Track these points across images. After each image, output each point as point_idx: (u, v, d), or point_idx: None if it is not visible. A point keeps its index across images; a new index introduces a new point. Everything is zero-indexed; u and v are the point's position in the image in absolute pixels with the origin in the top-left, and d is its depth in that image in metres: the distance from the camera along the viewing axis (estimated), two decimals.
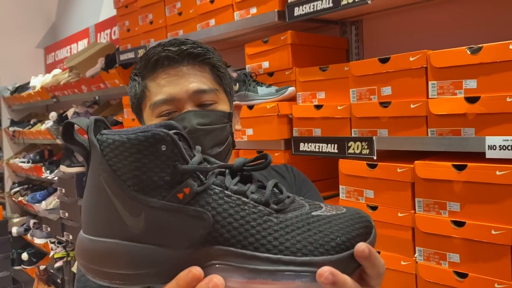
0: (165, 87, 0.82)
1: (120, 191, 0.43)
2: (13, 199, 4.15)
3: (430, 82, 1.22)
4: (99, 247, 0.43)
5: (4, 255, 3.63)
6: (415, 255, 1.25)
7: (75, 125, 0.45)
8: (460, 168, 1.14)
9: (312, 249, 0.43)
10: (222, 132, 0.84)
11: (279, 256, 0.42)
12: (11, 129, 4.18)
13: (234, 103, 0.95)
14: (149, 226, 0.42)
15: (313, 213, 0.46)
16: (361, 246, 0.44)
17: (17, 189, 4.18)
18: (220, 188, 0.45)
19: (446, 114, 1.18)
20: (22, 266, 3.93)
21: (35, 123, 3.99)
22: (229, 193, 0.45)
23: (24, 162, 3.91)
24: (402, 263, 1.28)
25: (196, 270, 0.42)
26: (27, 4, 4.52)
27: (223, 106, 0.87)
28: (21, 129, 4.02)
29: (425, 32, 1.65)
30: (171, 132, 0.44)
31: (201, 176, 0.44)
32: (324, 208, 0.48)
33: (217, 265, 0.43)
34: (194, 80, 0.83)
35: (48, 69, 4.54)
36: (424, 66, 1.22)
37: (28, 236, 3.91)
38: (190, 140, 0.66)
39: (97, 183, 0.44)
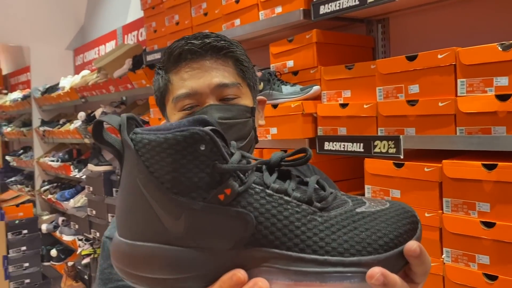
0: (188, 81, 0.82)
1: (158, 193, 0.41)
2: (43, 197, 4.27)
3: (459, 80, 1.19)
4: (137, 251, 0.42)
5: (34, 251, 3.74)
6: (443, 256, 1.23)
7: (105, 123, 0.43)
8: (490, 167, 1.11)
9: (359, 249, 0.42)
10: (244, 127, 0.84)
11: (326, 257, 0.41)
12: (41, 128, 4.30)
13: (258, 98, 0.94)
14: (190, 228, 0.41)
15: (357, 210, 0.45)
16: (413, 246, 0.43)
17: (47, 187, 4.29)
18: (261, 187, 0.43)
19: (476, 112, 1.16)
20: (51, 262, 4.04)
21: (64, 123, 4.10)
22: (271, 192, 0.43)
23: (53, 161, 4.01)
24: None
25: (240, 273, 0.41)
26: (58, 8, 4.64)
27: (246, 101, 0.86)
28: (50, 129, 4.13)
29: (453, 30, 1.62)
30: (207, 129, 0.42)
31: (241, 175, 0.43)
32: (368, 203, 0.46)
33: (261, 268, 0.42)
34: (216, 74, 0.82)
35: (77, 70, 4.66)
36: (453, 63, 1.20)
37: (57, 233, 4.02)
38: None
39: (133, 184, 0.42)
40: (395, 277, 0.42)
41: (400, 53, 1.35)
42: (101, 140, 0.43)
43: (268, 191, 0.43)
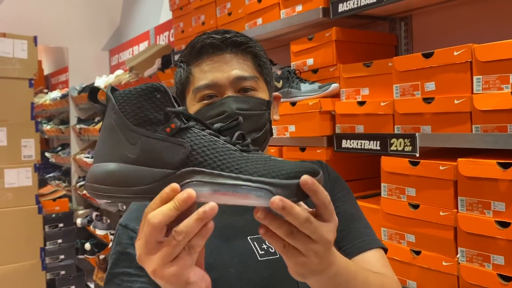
0: (208, 72, 0.86)
1: (124, 126, 0.57)
2: (78, 192, 4.43)
3: (475, 77, 1.17)
4: (103, 168, 0.57)
5: (69, 244, 3.89)
6: (458, 256, 1.21)
7: (99, 90, 0.61)
8: (506, 166, 1.09)
9: (265, 173, 0.54)
10: (260, 119, 0.87)
11: (239, 175, 0.54)
12: (77, 126, 4.47)
13: (273, 94, 0.97)
14: (143, 151, 0.56)
15: (272, 157, 0.58)
16: (304, 177, 0.53)
17: (82, 183, 4.46)
18: (199, 129, 0.58)
19: (492, 110, 1.13)
20: (85, 255, 4.19)
21: (99, 121, 4.24)
22: (206, 134, 0.58)
23: (88, 157, 4.17)
24: (444, 263, 1.24)
25: (174, 184, 0.54)
26: (94, 11, 4.81)
27: (263, 94, 0.89)
28: (86, 127, 4.29)
29: (477, 27, 1.58)
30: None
31: (184, 120, 0.58)
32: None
33: (192, 182, 0.55)
34: (236, 67, 0.86)
35: (113, 70, 4.81)
36: (469, 60, 1.18)
37: (91, 227, 4.16)
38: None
39: (109, 123, 0.58)
40: (292, 204, 0.52)
41: (423, 50, 1.34)
42: (94, 100, 0.60)
43: (203, 133, 0.58)
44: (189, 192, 0.53)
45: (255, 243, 0.85)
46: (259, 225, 0.56)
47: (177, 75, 0.93)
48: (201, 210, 0.52)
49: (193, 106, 0.88)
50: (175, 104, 0.59)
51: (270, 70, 0.94)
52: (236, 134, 0.60)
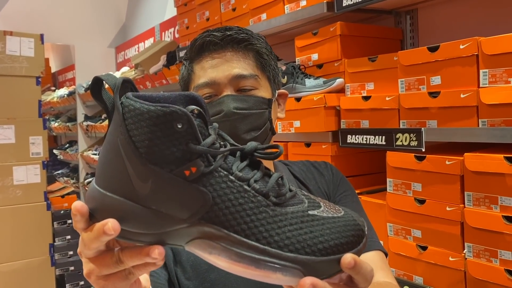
0: (208, 70, 0.85)
1: (133, 155, 0.45)
2: (86, 188, 4.46)
3: (481, 71, 1.16)
4: (106, 200, 0.46)
5: (78, 240, 3.91)
6: (464, 251, 1.20)
7: (104, 82, 0.47)
8: None
9: (299, 247, 0.44)
10: (259, 118, 0.86)
11: (266, 247, 0.44)
12: (85, 123, 4.50)
13: (279, 91, 0.96)
14: (154, 193, 0.45)
15: (310, 212, 0.47)
16: (347, 258, 0.45)
17: (90, 179, 4.49)
18: (225, 172, 0.46)
19: (499, 103, 1.12)
20: None
21: (105, 118, 4.26)
22: (233, 178, 0.46)
23: (95, 154, 4.19)
24: (451, 259, 1.23)
25: (159, 248, 0.45)
26: (101, 8, 4.82)
27: (264, 93, 0.88)
28: (93, 124, 4.31)
29: (484, 20, 1.56)
30: (190, 108, 0.46)
31: (210, 158, 0.46)
32: (323, 208, 0.49)
33: (209, 241, 0.45)
34: (235, 66, 0.85)
35: (119, 67, 4.82)
36: (475, 53, 1.17)
37: None
38: (225, 123, 0.78)
39: (114, 142, 0.46)
40: (325, 285, 0.44)
41: (428, 44, 1.32)
42: (97, 96, 0.47)
43: (231, 177, 0.46)
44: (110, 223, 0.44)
45: None
46: None
47: (180, 72, 0.93)
48: (146, 249, 0.45)
49: None
50: (200, 136, 0.45)
51: (274, 67, 0.92)
52: (275, 177, 0.48)
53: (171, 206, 0.45)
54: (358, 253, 0.47)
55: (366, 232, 0.49)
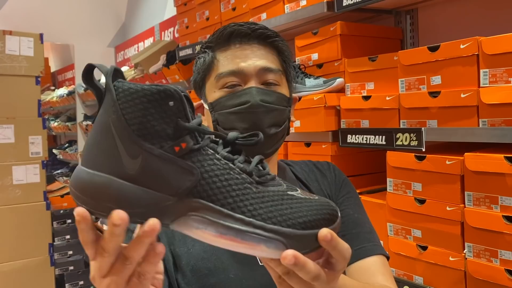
0: (235, 60, 0.85)
1: (124, 133, 0.46)
2: None
3: (481, 70, 1.16)
4: (95, 179, 0.47)
5: (77, 240, 3.90)
6: (464, 251, 1.20)
7: (95, 69, 0.49)
8: None
9: (281, 220, 0.47)
10: (281, 114, 0.86)
11: (251, 219, 0.47)
12: (84, 123, 4.50)
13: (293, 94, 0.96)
14: (144, 169, 0.46)
15: (289, 192, 0.51)
16: (324, 231, 0.48)
17: None
18: (212, 151, 0.49)
19: (499, 103, 1.12)
20: None
21: None
22: (219, 157, 0.49)
23: None
24: (451, 258, 1.23)
25: (154, 221, 0.45)
26: (100, 7, 4.82)
27: (284, 90, 0.88)
28: (92, 123, 4.30)
29: (484, 19, 1.56)
30: (180, 88, 0.48)
31: (198, 137, 0.49)
32: (299, 191, 0.52)
33: (194, 217, 0.47)
34: (263, 58, 0.85)
35: (118, 66, 4.81)
36: (476, 53, 1.17)
37: (98, 223, 4.19)
38: (250, 114, 0.80)
39: (105, 123, 0.47)
40: (305, 259, 0.47)
41: (429, 44, 1.32)
42: (88, 82, 0.49)
43: (217, 155, 0.49)
44: (153, 226, 0.45)
45: None
46: None
47: (199, 60, 0.91)
48: (140, 230, 0.46)
49: (213, 93, 0.87)
50: (189, 115, 0.48)
51: (292, 69, 0.93)
52: (256, 159, 0.52)
53: (160, 182, 0.46)
54: (334, 231, 0.50)
55: (339, 214, 0.52)
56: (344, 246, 0.51)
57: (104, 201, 0.46)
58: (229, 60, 0.85)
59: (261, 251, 0.47)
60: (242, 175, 0.49)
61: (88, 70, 0.48)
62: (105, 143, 0.47)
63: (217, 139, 0.52)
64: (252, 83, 0.84)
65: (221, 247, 0.48)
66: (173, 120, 0.47)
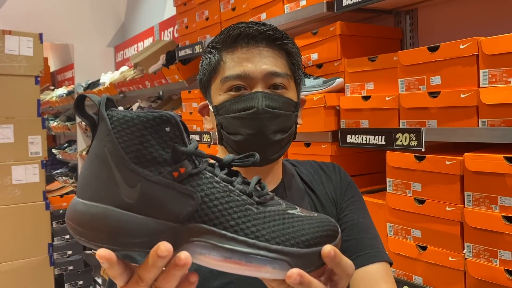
0: (241, 63, 0.83)
1: (121, 162, 0.46)
2: None
3: (481, 71, 1.16)
4: (92, 210, 0.46)
5: (76, 240, 3.92)
6: (464, 251, 1.20)
7: (86, 99, 0.49)
8: None
9: (284, 240, 0.47)
10: (287, 120, 0.84)
11: (255, 241, 0.47)
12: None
13: (301, 96, 0.95)
14: (143, 197, 0.46)
15: (289, 211, 0.51)
16: (327, 248, 0.49)
17: None
18: (211, 174, 0.49)
19: (499, 103, 1.12)
20: (93, 251, 4.21)
21: None
22: (219, 179, 0.49)
23: None
24: (450, 259, 1.23)
25: (166, 244, 0.44)
26: (99, 7, 4.82)
27: (291, 94, 0.86)
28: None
29: (484, 20, 1.56)
30: (175, 114, 0.48)
31: (196, 161, 0.49)
32: (299, 209, 0.53)
33: (198, 242, 0.47)
34: (270, 62, 0.83)
35: (118, 66, 4.82)
36: (475, 53, 1.17)
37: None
38: (255, 120, 0.80)
39: (101, 152, 0.47)
40: (310, 278, 0.47)
41: (428, 44, 1.32)
42: (81, 112, 0.49)
43: (216, 178, 0.49)
44: (182, 257, 0.44)
45: None
46: None
47: (205, 60, 0.89)
48: (171, 263, 0.45)
49: (218, 96, 0.85)
50: (186, 140, 0.48)
51: (301, 71, 0.91)
52: (255, 180, 0.52)
53: (161, 209, 0.46)
54: (336, 247, 0.50)
55: (340, 230, 0.52)
56: (348, 263, 0.50)
57: (103, 232, 0.45)
58: (235, 63, 0.83)
59: (266, 273, 0.47)
60: (242, 197, 0.49)
61: (79, 101, 0.48)
62: (102, 173, 0.47)
63: (213, 162, 0.52)
64: (259, 88, 0.82)
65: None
66: (170, 146, 0.47)
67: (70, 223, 0.47)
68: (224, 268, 0.47)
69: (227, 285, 0.80)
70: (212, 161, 0.53)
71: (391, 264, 0.92)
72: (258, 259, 0.46)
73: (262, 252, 0.46)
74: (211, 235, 0.47)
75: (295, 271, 0.46)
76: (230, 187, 0.49)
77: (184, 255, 0.44)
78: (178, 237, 0.47)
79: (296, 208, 0.53)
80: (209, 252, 0.46)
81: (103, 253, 0.45)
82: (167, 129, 0.47)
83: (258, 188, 0.52)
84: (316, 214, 0.53)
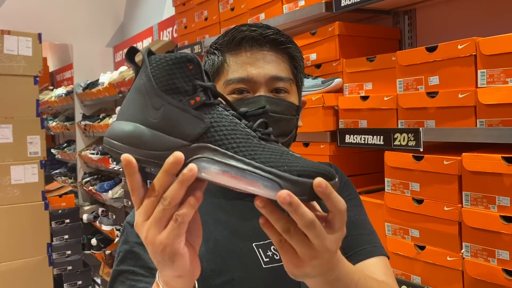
0: (245, 66, 0.84)
1: (151, 90, 0.57)
2: (84, 188, 4.46)
3: (479, 71, 1.16)
4: (123, 127, 0.57)
5: (76, 240, 3.92)
6: (462, 251, 1.20)
7: (137, 51, 0.61)
8: (511, 160, 1.08)
9: (279, 165, 0.52)
10: (289, 124, 0.85)
11: (251, 161, 0.53)
12: (82, 123, 4.49)
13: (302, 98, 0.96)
14: (164, 117, 0.56)
15: (289, 152, 0.57)
16: (319, 179, 0.50)
17: (88, 179, 4.48)
18: (222, 109, 0.58)
19: (497, 103, 1.12)
20: (92, 251, 4.21)
21: (103, 117, 4.26)
22: (228, 114, 0.58)
23: (93, 153, 4.18)
24: (448, 258, 1.23)
25: (178, 153, 0.53)
26: (98, 7, 4.81)
27: (293, 98, 0.87)
28: (91, 123, 4.30)
29: (482, 20, 1.57)
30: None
31: (210, 95, 0.58)
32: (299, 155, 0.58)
33: (203, 158, 0.55)
34: (273, 66, 0.84)
35: (117, 66, 4.81)
36: (473, 54, 1.17)
37: (97, 223, 4.19)
38: None
39: (139, 85, 0.58)
40: (299, 201, 0.49)
41: (427, 44, 1.33)
42: (130, 60, 0.60)
43: (226, 112, 0.58)
44: (191, 167, 0.53)
45: (260, 249, 0.84)
46: (261, 216, 0.54)
47: (208, 62, 0.90)
48: (181, 175, 0.52)
49: None
50: (205, 79, 0.58)
51: (302, 74, 0.92)
52: (259, 121, 0.59)
53: (177, 128, 0.56)
54: (332, 187, 0.52)
55: (336, 177, 0.54)
56: (338, 197, 0.52)
57: (130, 144, 0.56)
58: (239, 66, 0.84)
59: (258, 188, 0.52)
60: (246, 129, 0.57)
61: (130, 52, 0.60)
62: (137, 99, 0.58)
63: (226, 105, 0.60)
64: (261, 91, 0.83)
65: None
66: (191, 80, 0.57)
67: (106, 138, 0.58)
68: (221, 180, 0.53)
69: (229, 282, 0.80)
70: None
71: (388, 258, 0.93)
72: (251, 175, 0.52)
73: (256, 170, 0.52)
74: (215, 152, 0.55)
75: (285, 191, 0.49)
76: (237, 120, 0.58)
77: (191, 166, 0.53)
78: (188, 153, 0.55)
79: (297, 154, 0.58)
80: (211, 166, 0.54)
81: (127, 157, 0.54)
82: (190, 66, 0.57)
83: (265, 127, 0.60)
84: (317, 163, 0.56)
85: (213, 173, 0.54)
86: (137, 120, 0.57)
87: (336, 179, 0.54)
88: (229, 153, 0.54)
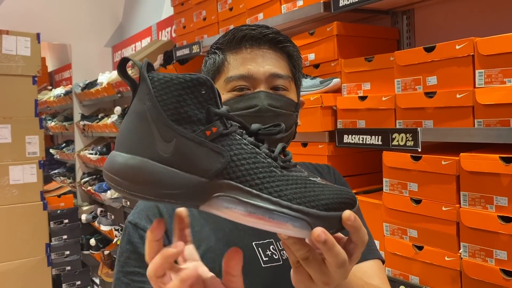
0: (245, 64, 0.85)
1: (159, 118, 0.50)
2: (83, 188, 4.45)
3: (477, 71, 1.16)
4: (129, 162, 0.50)
5: (74, 240, 3.91)
6: (460, 251, 1.20)
7: (129, 62, 0.53)
8: (508, 160, 1.08)
9: (305, 201, 0.50)
10: (288, 119, 0.86)
11: (278, 199, 0.50)
12: (81, 123, 4.48)
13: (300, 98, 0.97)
14: (177, 152, 0.50)
15: (310, 178, 0.54)
16: (348, 212, 0.51)
17: (87, 179, 4.48)
18: (239, 137, 0.53)
19: (494, 104, 1.12)
20: (90, 251, 4.21)
21: (102, 117, 4.25)
22: (246, 142, 0.53)
23: (92, 154, 4.18)
24: (446, 258, 1.23)
25: (180, 243, 0.50)
26: (97, 7, 4.81)
27: (292, 96, 0.89)
28: (90, 123, 4.30)
29: (480, 20, 1.57)
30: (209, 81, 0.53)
31: (227, 123, 0.52)
32: (319, 179, 0.56)
33: (225, 197, 0.50)
34: (272, 64, 0.86)
35: (116, 66, 4.80)
36: (471, 54, 1.17)
37: (96, 223, 4.18)
38: (258, 118, 0.81)
39: (140, 110, 0.51)
40: (333, 239, 0.49)
41: (425, 44, 1.33)
42: (123, 73, 0.52)
43: (244, 141, 0.53)
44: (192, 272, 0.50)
45: (259, 249, 0.84)
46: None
47: (209, 61, 0.91)
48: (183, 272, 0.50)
49: (222, 95, 0.87)
50: (219, 103, 0.52)
51: (301, 74, 0.94)
52: (279, 147, 0.55)
53: (193, 164, 0.50)
54: (356, 213, 0.52)
55: (357, 200, 0.54)
56: (364, 230, 0.52)
57: (138, 182, 0.49)
58: (239, 64, 0.86)
59: (287, 230, 0.49)
60: (267, 159, 0.52)
61: (122, 63, 0.52)
62: (140, 128, 0.50)
63: (241, 130, 0.55)
64: (261, 88, 0.84)
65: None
66: (204, 107, 0.51)
67: (108, 173, 0.51)
68: (247, 222, 0.50)
69: None
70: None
71: (383, 262, 0.94)
72: (279, 216, 0.49)
73: (284, 210, 0.49)
74: (238, 191, 0.50)
75: (319, 229, 0.48)
76: (257, 149, 0.53)
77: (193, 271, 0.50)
78: (207, 191, 0.50)
79: (317, 177, 0.55)
80: (235, 206, 0.50)
81: (181, 212, 0.53)
82: (203, 91, 0.51)
83: (284, 153, 0.56)
84: (335, 185, 0.55)
85: (238, 214, 0.50)
86: (144, 154, 0.49)
87: (357, 204, 0.54)
88: (254, 191, 0.50)
